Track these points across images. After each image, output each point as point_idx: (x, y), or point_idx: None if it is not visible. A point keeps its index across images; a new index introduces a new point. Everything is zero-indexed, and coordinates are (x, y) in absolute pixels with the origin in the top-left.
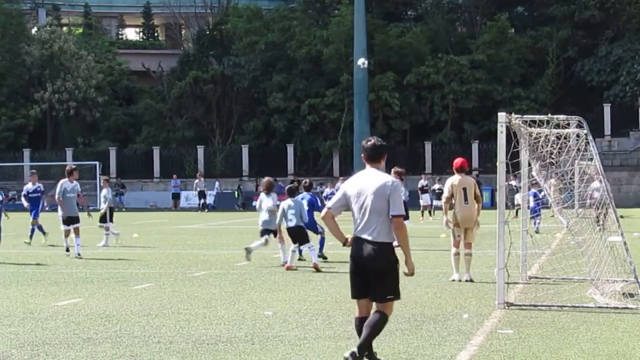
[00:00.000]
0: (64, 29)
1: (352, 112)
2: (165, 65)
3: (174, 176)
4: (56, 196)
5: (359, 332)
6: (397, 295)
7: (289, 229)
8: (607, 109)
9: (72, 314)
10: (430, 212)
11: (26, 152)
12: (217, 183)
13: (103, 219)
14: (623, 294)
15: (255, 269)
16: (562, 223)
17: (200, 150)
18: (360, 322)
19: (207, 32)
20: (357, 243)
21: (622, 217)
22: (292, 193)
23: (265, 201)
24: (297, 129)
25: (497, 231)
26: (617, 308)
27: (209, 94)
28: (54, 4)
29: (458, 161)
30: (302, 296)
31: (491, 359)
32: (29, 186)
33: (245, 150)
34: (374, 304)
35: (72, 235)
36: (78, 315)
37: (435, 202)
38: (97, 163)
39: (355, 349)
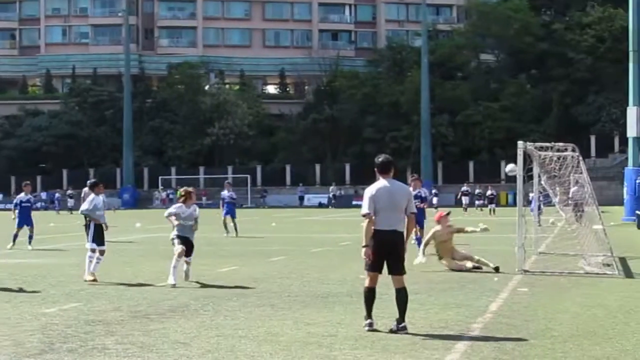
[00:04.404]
0: (227, 86)
1: (420, 140)
2: (293, 110)
3: (300, 184)
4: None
5: None
6: None
7: None
8: (592, 138)
9: (230, 277)
10: (466, 209)
11: (201, 169)
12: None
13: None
14: (603, 264)
15: (355, 246)
16: (562, 216)
17: (317, 167)
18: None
19: (322, 88)
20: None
21: (603, 212)
22: None
23: None
24: (383, 152)
25: (517, 221)
26: (598, 274)
27: (324, 129)
28: (220, 70)
29: None
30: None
31: (512, 308)
32: (22, 196)
33: (347, 167)
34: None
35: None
36: (235, 277)
37: (476, 202)
38: (247, 176)
39: None
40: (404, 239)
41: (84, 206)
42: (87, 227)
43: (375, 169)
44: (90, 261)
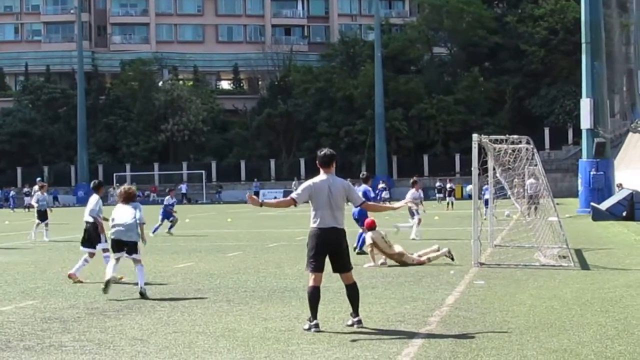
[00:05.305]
0: (180, 82)
1: (374, 135)
2: (248, 106)
3: (255, 179)
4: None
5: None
6: None
7: None
8: (546, 130)
9: (187, 272)
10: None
11: (156, 165)
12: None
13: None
14: (558, 256)
15: None
16: (517, 208)
17: (272, 162)
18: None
19: (276, 83)
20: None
21: (558, 204)
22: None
23: None
24: (337, 147)
25: (473, 215)
26: (554, 266)
27: (278, 124)
28: (174, 66)
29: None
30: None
31: (469, 301)
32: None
33: (302, 162)
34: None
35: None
36: (191, 273)
37: (437, 195)
38: (202, 171)
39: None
40: (346, 236)
41: (91, 207)
42: (86, 231)
43: (317, 163)
44: (108, 261)
